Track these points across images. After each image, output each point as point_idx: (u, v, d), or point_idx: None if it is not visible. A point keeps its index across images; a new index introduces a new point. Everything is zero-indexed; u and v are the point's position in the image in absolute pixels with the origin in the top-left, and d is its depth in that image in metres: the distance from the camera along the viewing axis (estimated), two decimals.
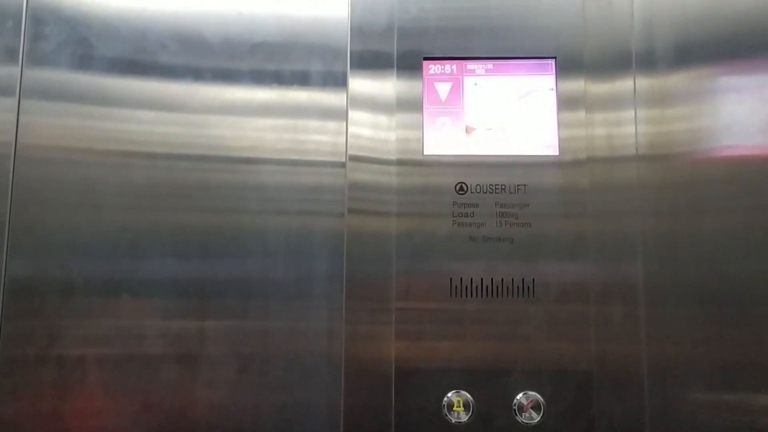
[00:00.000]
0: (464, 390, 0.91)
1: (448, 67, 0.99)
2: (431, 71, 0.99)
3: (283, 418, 0.92)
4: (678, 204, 0.93)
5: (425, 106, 0.98)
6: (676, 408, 0.89)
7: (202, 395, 0.92)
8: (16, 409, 0.91)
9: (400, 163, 0.96)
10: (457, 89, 0.98)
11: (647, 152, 0.95)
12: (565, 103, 0.97)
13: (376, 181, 0.96)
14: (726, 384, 0.89)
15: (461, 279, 0.94)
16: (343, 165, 0.96)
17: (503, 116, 0.98)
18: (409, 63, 0.99)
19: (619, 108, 0.96)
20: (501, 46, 0.99)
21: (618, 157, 0.95)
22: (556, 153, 0.96)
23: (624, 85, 0.97)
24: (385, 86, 0.98)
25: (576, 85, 0.97)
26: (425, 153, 0.96)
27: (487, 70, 0.99)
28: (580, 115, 0.97)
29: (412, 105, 0.98)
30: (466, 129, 0.97)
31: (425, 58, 0.99)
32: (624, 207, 0.94)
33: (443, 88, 0.98)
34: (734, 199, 0.91)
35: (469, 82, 0.99)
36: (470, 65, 0.99)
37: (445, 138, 0.97)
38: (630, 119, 0.96)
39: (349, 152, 0.96)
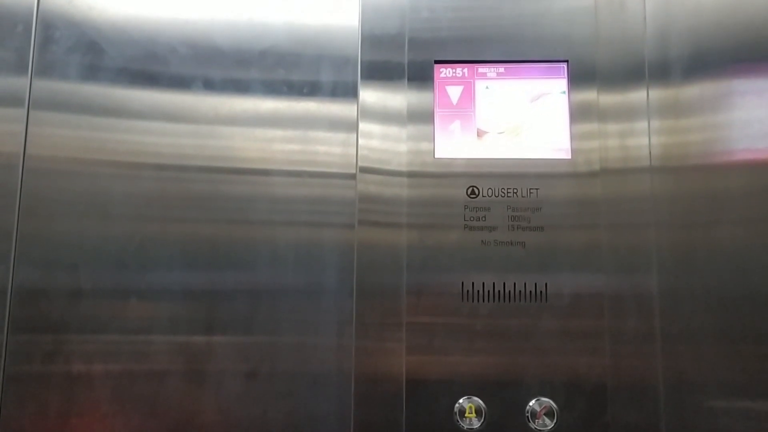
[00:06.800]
0: (476, 396, 0.91)
1: (460, 70, 0.98)
2: (442, 74, 0.98)
3: (293, 431, 0.92)
4: (693, 215, 0.92)
5: (436, 109, 0.97)
6: (692, 417, 0.89)
7: (209, 407, 0.92)
8: (23, 420, 0.91)
9: (411, 174, 0.95)
10: (468, 92, 0.97)
11: (661, 163, 0.93)
12: (578, 112, 0.96)
13: (387, 193, 0.95)
14: (742, 394, 0.88)
15: (473, 284, 0.93)
16: (353, 176, 0.95)
17: (515, 119, 0.97)
18: (420, 71, 0.98)
19: (632, 118, 0.95)
20: (512, 50, 0.98)
21: (631, 168, 0.94)
22: (569, 156, 0.95)
23: (637, 95, 0.95)
24: (396, 96, 0.97)
25: (588, 95, 0.96)
26: (436, 156, 0.96)
27: (498, 74, 0.98)
28: (593, 125, 0.95)
29: (423, 114, 0.97)
30: (478, 132, 0.97)
31: (436, 62, 0.98)
32: (638, 218, 0.93)
33: (454, 92, 0.97)
34: (750, 209, 0.90)
35: (480, 85, 0.98)
36: (482, 68, 0.98)
37: (457, 141, 0.96)
38: (643, 130, 0.94)
39: (360, 163, 0.96)
